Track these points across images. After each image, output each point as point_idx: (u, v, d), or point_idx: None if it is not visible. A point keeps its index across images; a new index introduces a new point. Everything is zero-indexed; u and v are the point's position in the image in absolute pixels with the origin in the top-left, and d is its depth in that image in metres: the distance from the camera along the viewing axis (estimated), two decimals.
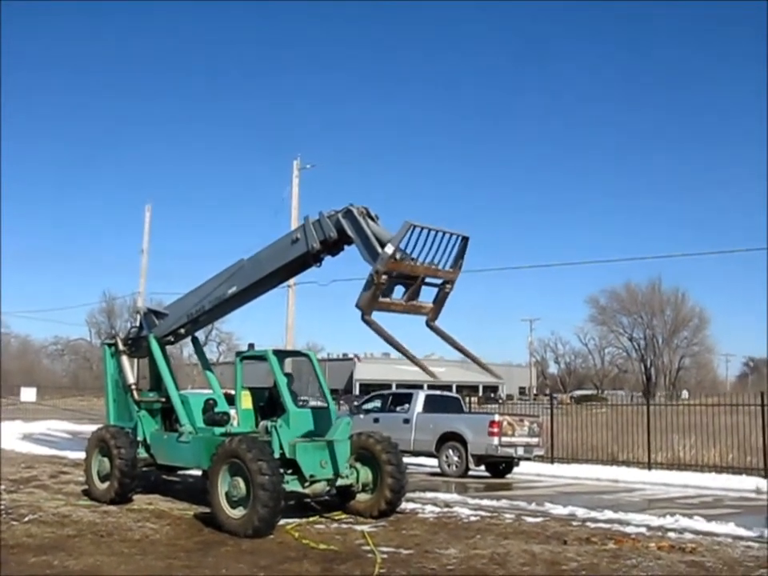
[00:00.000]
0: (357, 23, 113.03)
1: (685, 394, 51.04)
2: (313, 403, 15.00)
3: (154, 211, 38.36)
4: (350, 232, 9.28)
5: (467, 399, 22.75)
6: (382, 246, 8.95)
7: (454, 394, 23.70)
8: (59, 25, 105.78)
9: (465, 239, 9.04)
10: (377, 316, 8.95)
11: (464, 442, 16.97)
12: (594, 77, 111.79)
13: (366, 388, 63.85)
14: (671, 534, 9.41)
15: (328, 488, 10.14)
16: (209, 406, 11.29)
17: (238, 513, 8.99)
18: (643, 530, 9.69)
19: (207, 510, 9.53)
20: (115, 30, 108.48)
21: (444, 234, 8.84)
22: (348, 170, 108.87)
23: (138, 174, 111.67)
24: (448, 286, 9.34)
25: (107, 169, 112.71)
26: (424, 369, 9.12)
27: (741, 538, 9.28)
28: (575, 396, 67.75)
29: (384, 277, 8.69)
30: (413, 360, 8.93)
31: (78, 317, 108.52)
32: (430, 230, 8.67)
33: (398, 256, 8.63)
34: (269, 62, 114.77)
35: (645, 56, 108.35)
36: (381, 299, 8.84)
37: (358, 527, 9.45)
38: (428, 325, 9.45)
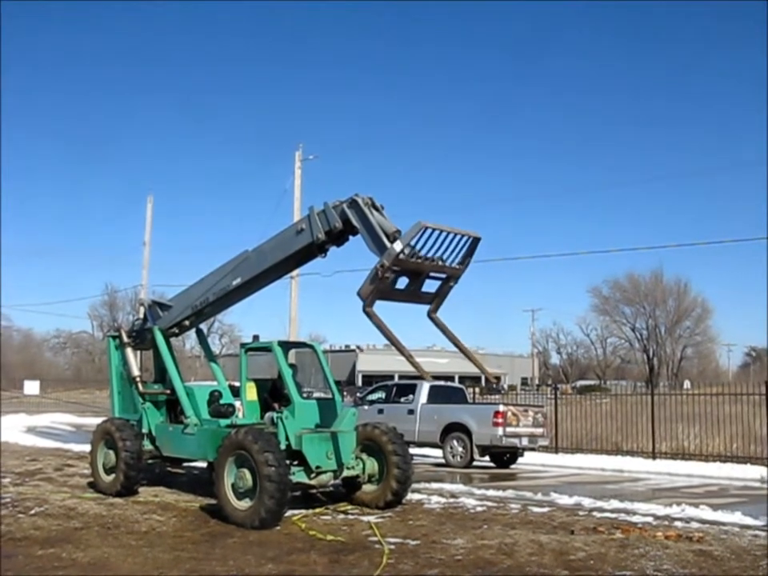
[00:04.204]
0: (358, 14, 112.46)
1: (687, 384, 50.89)
2: (318, 394, 15.00)
3: (156, 204, 38.23)
4: (355, 222, 9.26)
5: (470, 390, 22.73)
6: (388, 237, 8.92)
7: (457, 384, 23.69)
8: (56, 20, 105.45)
9: (476, 240, 8.98)
10: (379, 307, 8.95)
11: (468, 433, 16.97)
12: (594, 67, 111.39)
13: (369, 379, 63.84)
14: (678, 524, 9.39)
15: (334, 479, 10.14)
16: (214, 397, 11.29)
17: (245, 504, 8.98)
18: (650, 519, 9.68)
19: (213, 501, 9.53)
20: (112, 25, 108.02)
21: (455, 235, 8.78)
22: (351, 160, 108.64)
23: (139, 167, 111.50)
24: (452, 280, 9.31)
25: (108, 162, 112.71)
26: (418, 368, 9.05)
27: (747, 527, 9.28)
28: (577, 386, 67.69)
29: (388, 272, 8.67)
30: (409, 358, 8.85)
31: (79, 310, 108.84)
32: (441, 230, 8.62)
33: (406, 252, 8.59)
34: (270, 54, 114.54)
35: (644, 46, 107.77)
36: (383, 290, 8.83)
37: (365, 518, 9.44)
38: (429, 316, 9.46)
